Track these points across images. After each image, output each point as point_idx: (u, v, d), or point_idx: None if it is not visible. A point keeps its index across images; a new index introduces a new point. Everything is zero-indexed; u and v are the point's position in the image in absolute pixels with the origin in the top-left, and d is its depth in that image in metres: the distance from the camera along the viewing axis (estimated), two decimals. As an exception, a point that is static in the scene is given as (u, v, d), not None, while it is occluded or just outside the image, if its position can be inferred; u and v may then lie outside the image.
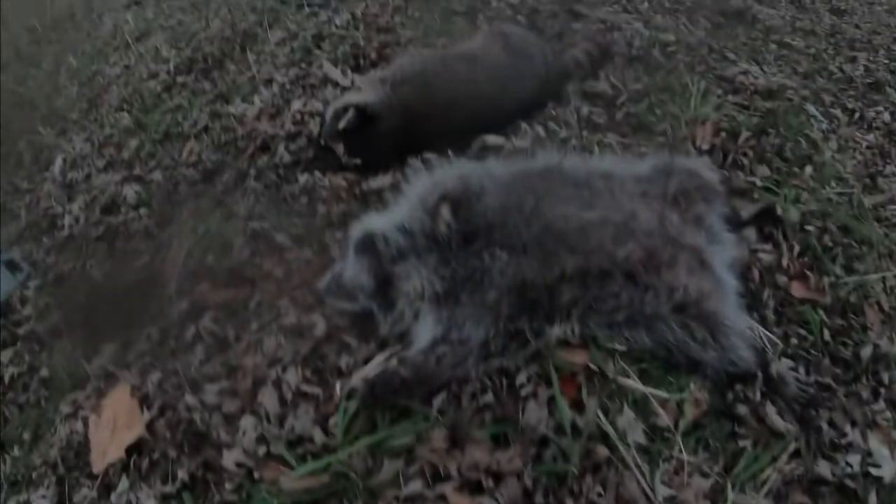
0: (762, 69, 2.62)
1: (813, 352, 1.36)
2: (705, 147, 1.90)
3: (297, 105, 2.20)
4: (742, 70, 2.49)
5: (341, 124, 1.76)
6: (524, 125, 1.98)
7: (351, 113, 1.75)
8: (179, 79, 2.76)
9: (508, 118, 1.99)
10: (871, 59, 2.97)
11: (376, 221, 1.39)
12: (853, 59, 2.92)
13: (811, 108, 2.31)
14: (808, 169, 1.84)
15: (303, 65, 2.51)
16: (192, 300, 1.59)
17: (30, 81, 3.90)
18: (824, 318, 1.40)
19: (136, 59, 3.30)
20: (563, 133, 1.96)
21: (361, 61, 2.46)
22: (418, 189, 1.41)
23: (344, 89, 2.28)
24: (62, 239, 2.08)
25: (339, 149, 1.79)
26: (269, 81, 2.42)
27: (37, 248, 2.12)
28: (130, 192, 2.04)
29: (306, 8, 3.26)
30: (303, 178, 1.83)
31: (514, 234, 1.30)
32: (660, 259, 1.28)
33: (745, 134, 1.93)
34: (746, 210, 1.62)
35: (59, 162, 2.58)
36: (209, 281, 1.62)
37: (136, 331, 1.62)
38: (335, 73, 2.35)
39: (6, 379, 1.72)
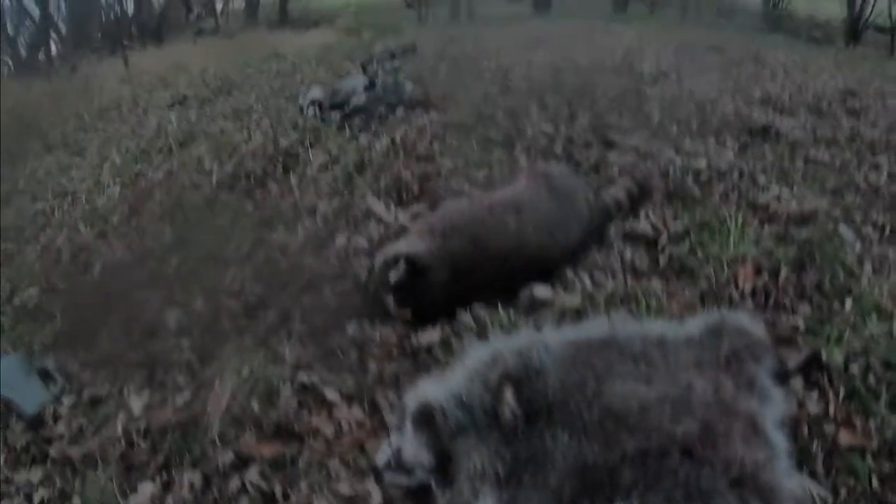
0: (792, 191, 2.61)
1: (863, 502, 1.32)
2: (748, 288, 1.90)
3: (341, 240, 2.26)
4: (775, 194, 2.52)
5: (392, 277, 1.80)
6: (570, 274, 1.99)
7: (401, 267, 1.79)
8: (222, 196, 2.85)
9: (555, 265, 2.00)
10: (892, 160, 2.96)
11: (432, 391, 1.39)
12: (876, 167, 2.89)
13: (845, 232, 2.28)
14: (849, 302, 1.82)
15: (346, 193, 2.61)
16: (236, 450, 1.58)
17: (73, 171, 4.03)
18: (872, 464, 1.37)
19: (179, 166, 3.43)
20: (609, 284, 2.00)
21: (404, 194, 2.56)
22: (475, 361, 1.41)
23: (387, 225, 2.37)
24: (99, 356, 2.06)
25: (389, 300, 1.82)
26: (312, 210, 2.50)
27: (72, 358, 2.09)
28: (171, 317, 2.06)
29: (346, 130, 3.44)
30: (351, 326, 1.85)
31: (576, 415, 1.30)
32: (716, 432, 1.27)
33: (784, 271, 1.94)
34: (792, 359, 1.60)
35: (97, 268, 2.63)
36: (255, 431, 1.61)
37: (176, 473, 1.60)
38: (379, 207, 2.43)
39: (35, 501, 1.68)
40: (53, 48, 11.05)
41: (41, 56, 10.54)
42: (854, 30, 13.51)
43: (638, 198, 2.45)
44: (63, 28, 11.10)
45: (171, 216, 2.82)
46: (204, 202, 2.88)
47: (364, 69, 4.50)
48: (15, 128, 6.02)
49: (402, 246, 1.89)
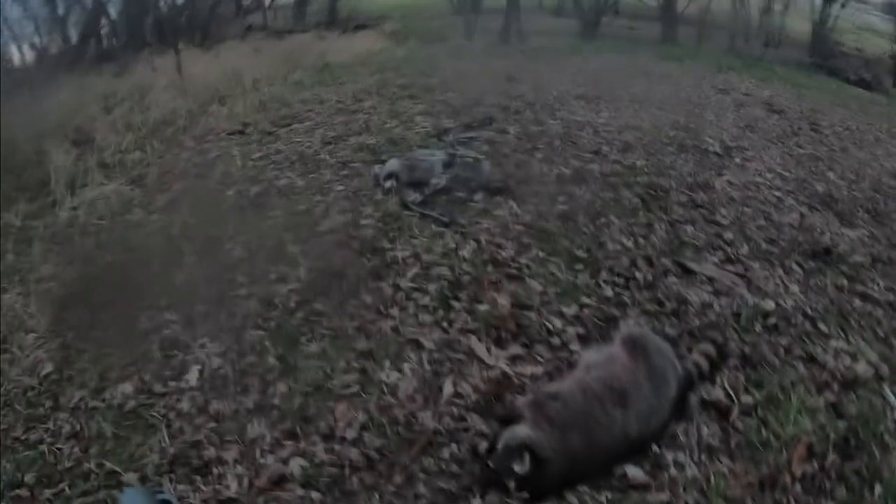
0: (848, 341, 2.71)
1: None
2: (798, 473, 1.98)
3: (448, 388, 2.32)
4: (833, 348, 2.62)
5: (517, 468, 1.88)
6: (655, 452, 2.09)
7: (526, 459, 1.88)
8: (316, 304, 2.89)
9: (646, 445, 2.13)
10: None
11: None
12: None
13: (889, 395, 2.38)
14: (878, 488, 1.92)
15: (445, 323, 2.67)
16: None
17: (136, 212, 4.08)
18: None
19: (259, 242, 3.49)
20: (689, 468, 2.06)
21: (502, 333, 2.61)
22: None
23: (490, 367, 2.44)
24: (224, 499, 2.05)
25: (511, 483, 1.90)
26: (415, 343, 2.56)
27: (191, 491, 2.11)
28: (296, 466, 2.13)
29: (429, 220, 3.48)
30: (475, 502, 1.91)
31: None
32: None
33: (831, 455, 2.02)
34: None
35: (194, 373, 2.69)
36: None
37: None
38: (481, 350, 2.49)
39: None
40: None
41: (91, 46, 10.43)
42: (901, 66, 13.27)
43: (716, 362, 2.52)
44: (114, 17, 10.97)
45: (264, 321, 2.85)
46: (295, 302, 2.92)
47: (440, 139, 4.52)
48: (69, 135, 6.11)
49: (524, 433, 1.96)
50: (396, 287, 2.90)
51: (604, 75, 8.16)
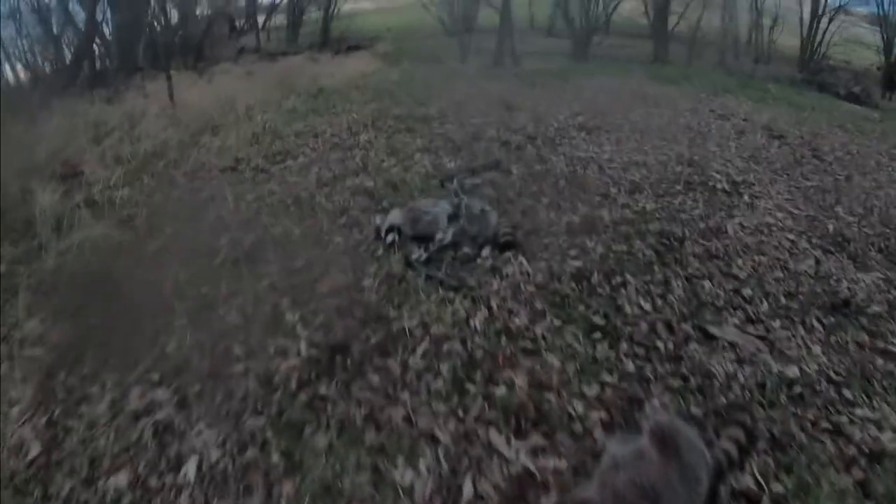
0: (872, 405, 2.60)
1: None
2: None
3: (468, 488, 2.11)
4: (859, 419, 2.50)
5: None
6: None
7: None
8: (320, 385, 2.68)
9: None
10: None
11: None
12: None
13: None
14: None
15: (460, 411, 2.47)
16: None
17: (138, 280, 3.85)
18: None
19: (255, 304, 3.28)
20: None
21: (522, 421, 2.42)
22: None
23: (510, 462, 2.24)
24: None
25: None
26: (430, 437, 2.36)
27: None
28: None
29: (435, 282, 3.28)
30: None
31: None
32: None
33: None
34: None
35: (192, 466, 2.47)
36: None
37: None
38: (500, 443, 2.29)
39: None
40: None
41: (84, 69, 10.16)
42: (891, 79, 13.29)
43: (745, 447, 2.37)
44: (108, 39, 10.70)
45: (264, 404, 2.63)
46: (296, 382, 2.71)
47: (442, 185, 4.32)
48: (57, 169, 5.87)
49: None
50: (405, 366, 2.70)
51: (600, 101, 8.04)
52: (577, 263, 3.50)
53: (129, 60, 10.90)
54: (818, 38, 13.88)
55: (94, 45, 10.79)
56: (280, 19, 14.16)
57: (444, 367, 2.65)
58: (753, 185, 5.16)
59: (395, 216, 3.78)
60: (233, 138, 6.59)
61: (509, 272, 3.38)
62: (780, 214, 4.58)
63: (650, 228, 3.98)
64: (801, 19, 14.00)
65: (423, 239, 3.65)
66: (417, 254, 3.49)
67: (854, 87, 11.66)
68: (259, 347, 2.93)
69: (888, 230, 4.56)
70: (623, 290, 3.26)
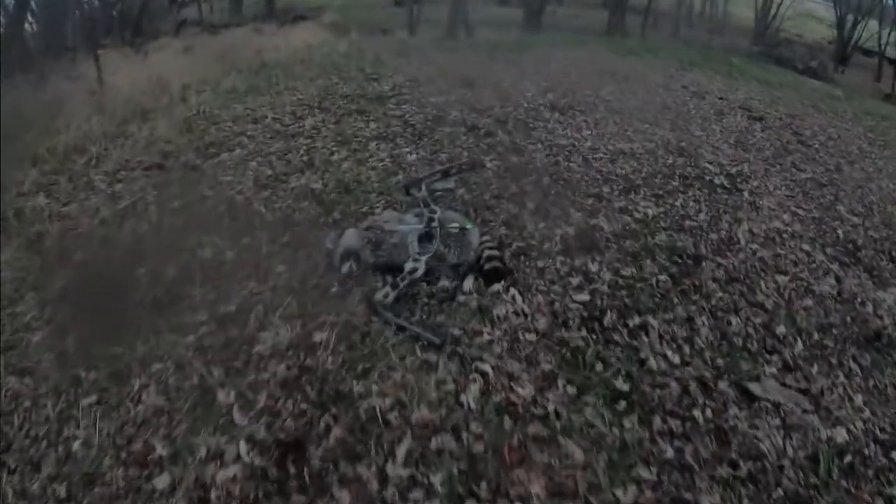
0: None
1: None
2: None
3: None
4: None
5: None
6: None
7: None
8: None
9: None
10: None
11: None
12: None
13: None
14: None
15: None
16: None
17: (38, 339, 2.85)
18: None
19: (175, 387, 2.39)
20: None
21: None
22: None
23: None
24: None
25: None
26: None
27: None
28: None
29: (409, 336, 2.48)
30: None
31: None
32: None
33: None
34: None
35: None
36: None
37: None
38: None
39: None
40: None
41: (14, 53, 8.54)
42: (843, 53, 13.14)
43: None
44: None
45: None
46: None
47: (408, 191, 3.46)
48: None
49: None
50: (383, 476, 1.92)
51: (567, 75, 7.28)
52: (584, 297, 2.78)
53: (58, 39, 9.36)
54: (773, 11, 13.55)
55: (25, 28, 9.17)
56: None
57: (437, 478, 1.90)
58: (750, 177, 4.59)
59: (352, 238, 2.94)
60: (163, 126, 5.49)
61: (501, 313, 2.63)
62: (786, 217, 4.00)
63: (658, 242, 3.30)
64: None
65: (389, 269, 2.84)
66: (383, 291, 2.67)
67: (811, 61, 11.35)
68: (185, 448, 2.08)
69: (893, 233, 4.12)
70: (644, 337, 2.58)
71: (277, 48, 8.96)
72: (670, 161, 4.61)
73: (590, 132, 5.12)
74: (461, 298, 2.72)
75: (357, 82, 6.51)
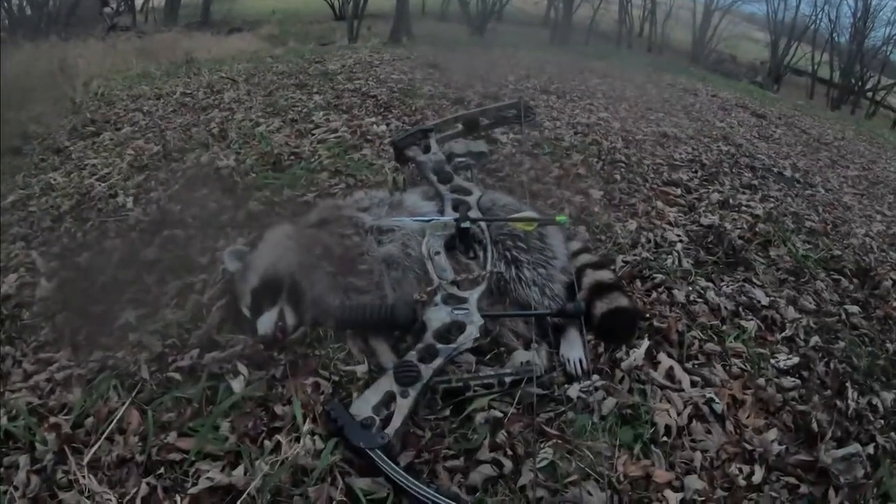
0: None
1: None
2: None
3: None
4: None
5: None
6: None
7: None
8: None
9: None
10: None
11: None
12: None
13: None
14: None
15: None
16: None
17: None
18: None
19: None
20: None
21: None
22: None
23: None
24: None
25: None
26: None
27: None
28: None
29: None
30: None
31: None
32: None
33: None
34: None
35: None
36: None
37: None
38: None
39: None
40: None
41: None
42: (777, 73, 12.67)
43: None
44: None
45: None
46: None
47: (400, 152, 1.66)
48: None
49: None
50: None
51: (543, 70, 5.80)
52: (792, 360, 1.18)
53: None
54: (709, 32, 13.03)
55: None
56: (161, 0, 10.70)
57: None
58: (808, 172, 3.23)
59: (280, 251, 1.20)
60: (40, 108, 3.52)
61: (663, 425, 0.95)
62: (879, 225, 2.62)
63: (805, 254, 1.78)
64: (694, 15, 13.06)
65: (380, 326, 1.11)
66: (375, 399, 0.94)
67: (756, 77, 10.70)
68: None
69: None
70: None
71: (209, 51, 7.06)
72: (724, 149, 3.18)
73: (607, 114, 3.62)
74: (573, 393, 1.03)
75: (296, 64, 4.77)
